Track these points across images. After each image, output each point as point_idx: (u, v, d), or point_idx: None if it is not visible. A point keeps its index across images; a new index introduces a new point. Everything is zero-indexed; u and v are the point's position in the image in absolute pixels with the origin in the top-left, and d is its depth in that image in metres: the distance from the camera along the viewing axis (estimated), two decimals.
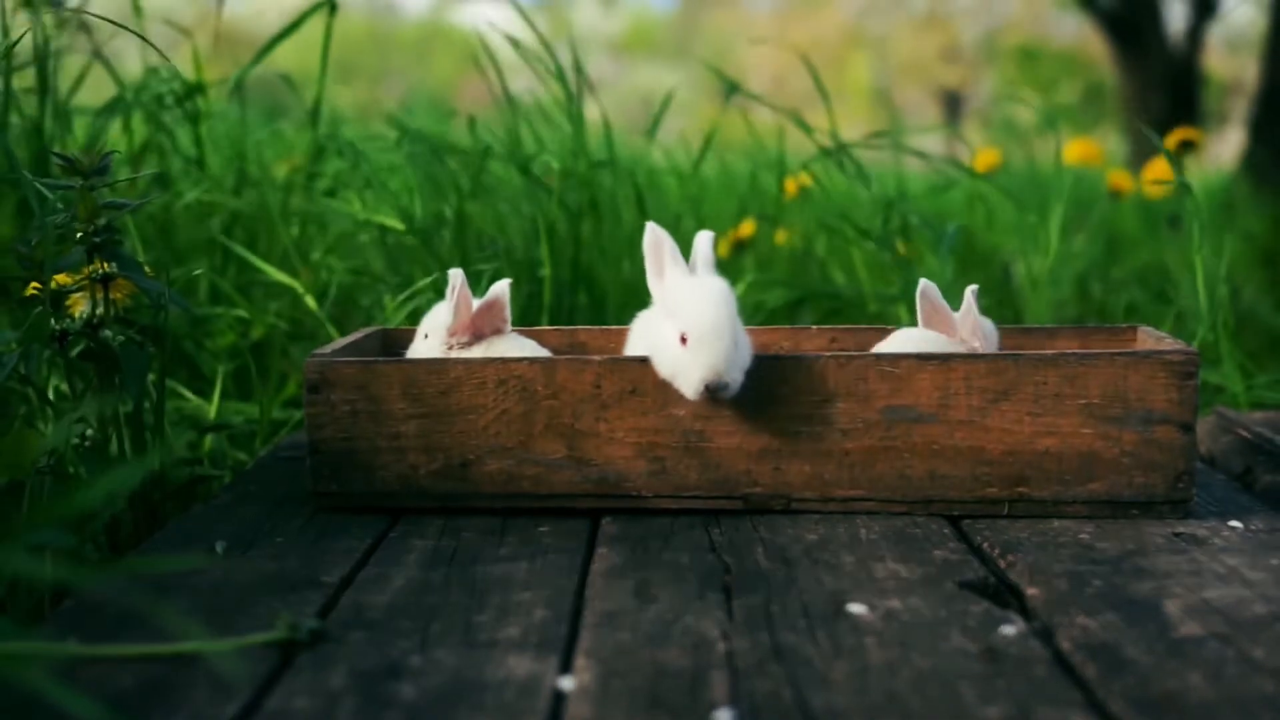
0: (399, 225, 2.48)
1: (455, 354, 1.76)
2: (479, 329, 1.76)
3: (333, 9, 2.56)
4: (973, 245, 3.30)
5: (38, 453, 1.40)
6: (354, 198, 2.66)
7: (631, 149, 3.65)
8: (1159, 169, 3.61)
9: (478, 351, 1.76)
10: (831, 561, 1.39)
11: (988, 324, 1.72)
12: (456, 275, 1.72)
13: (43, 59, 2.34)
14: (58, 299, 1.58)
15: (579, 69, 2.63)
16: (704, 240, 1.64)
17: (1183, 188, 2.20)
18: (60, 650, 1.11)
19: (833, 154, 2.78)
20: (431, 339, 1.78)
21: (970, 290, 1.70)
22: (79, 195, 1.59)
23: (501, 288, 1.78)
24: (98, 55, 2.58)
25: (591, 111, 2.69)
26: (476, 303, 1.75)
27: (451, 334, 1.75)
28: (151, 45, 1.91)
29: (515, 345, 1.78)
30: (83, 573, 1.41)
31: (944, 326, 1.75)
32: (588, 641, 1.16)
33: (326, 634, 1.18)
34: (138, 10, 2.57)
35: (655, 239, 1.60)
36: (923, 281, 1.77)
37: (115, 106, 2.50)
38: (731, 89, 2.87)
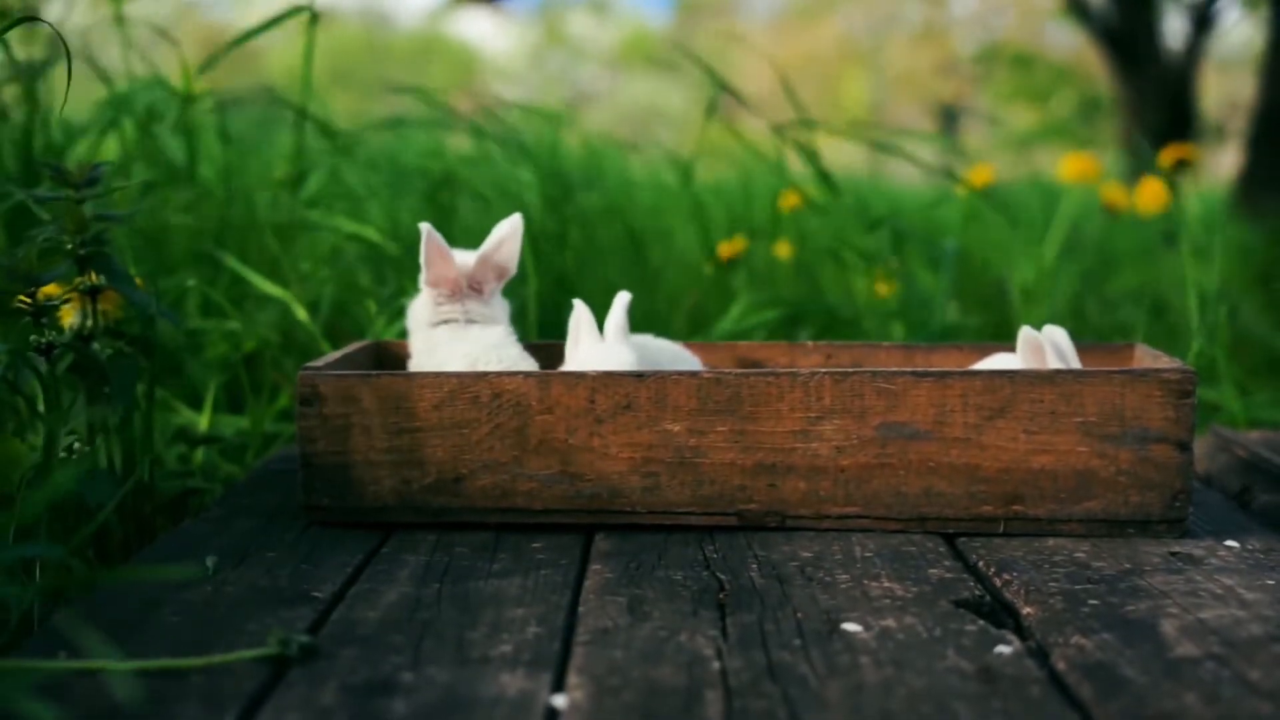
0: (379, 238, 2.47)
1: (445, 309, 1.73)
2: (478, 279, 1.73)
3: (314, 18, 2.54)
4: (967, 260, 3.30)
5: (26, 465, 1.39)
6: (339, 211, 2.66)
7: (622, 161, 3.65)
8: (1155, 186, 3.61)
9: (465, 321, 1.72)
10: (826, 579, 1.38)
11: (1055, 334, 1.69)
12: (424, 227, 1.71)
13: (30, 70, 2.33)
14: (46, 310, 1.57)
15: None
16: (619, 304, 1.75)
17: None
18: (49, 665, 1.10)
19: (824, 176, 2.78)
20: (416, 333, 1.76)
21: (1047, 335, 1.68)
22: (67, 207, 1.58)
23: (514, 221, 1.75)
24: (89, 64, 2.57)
25: (586, 122, 2.69)
26: (463, 253, 1.73)
27: (433, 285, 1.72)
28: (127, 62, 1.90)
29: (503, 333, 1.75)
30: (71, 585, 1.40)
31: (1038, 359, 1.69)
32: (581, 659, 1.15)
33: (318, 649, 1.16)
34: (119, 20, 2.56)
35: (575, 318, 1.75)
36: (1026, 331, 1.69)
37: (103, 117, 2.49)
38: (717, 93, 2.86)
